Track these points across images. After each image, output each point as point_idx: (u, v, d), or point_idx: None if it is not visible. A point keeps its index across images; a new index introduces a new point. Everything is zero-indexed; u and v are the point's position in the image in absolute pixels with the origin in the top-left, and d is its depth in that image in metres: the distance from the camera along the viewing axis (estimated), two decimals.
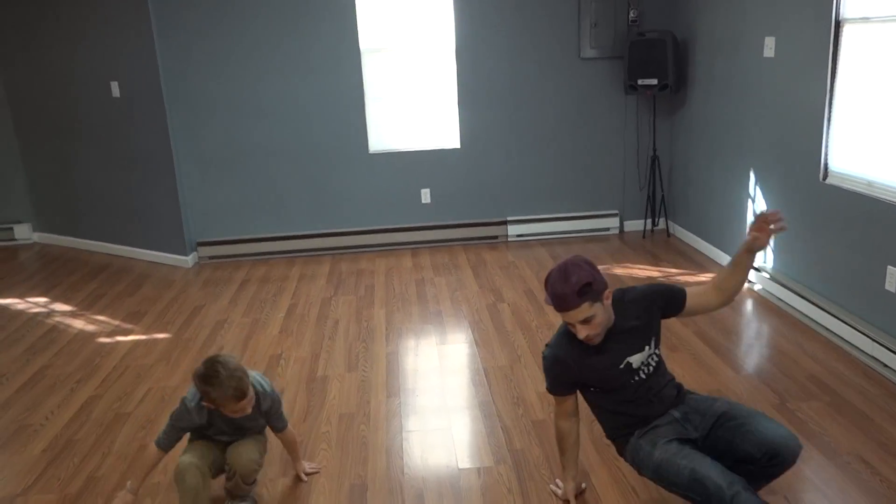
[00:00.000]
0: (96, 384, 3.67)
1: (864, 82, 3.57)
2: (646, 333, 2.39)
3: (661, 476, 2.26)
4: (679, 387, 2.48)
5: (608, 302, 2.30)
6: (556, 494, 2.61)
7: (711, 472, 2.12)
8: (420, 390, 3.46)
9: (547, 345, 2.48)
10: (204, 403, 2.43)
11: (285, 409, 3.28)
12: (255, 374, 2.56)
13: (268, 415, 2.59)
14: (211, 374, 2.35)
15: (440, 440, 3.02)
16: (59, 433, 3.21)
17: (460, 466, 2.83)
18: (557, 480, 2.65)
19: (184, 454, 2.51)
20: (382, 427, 3.14)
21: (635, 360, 2.37)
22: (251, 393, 2.42)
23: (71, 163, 5.86)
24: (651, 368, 2.40)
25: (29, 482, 2.85)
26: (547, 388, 2.49)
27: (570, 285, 2.22)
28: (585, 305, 2.23)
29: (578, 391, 2.50)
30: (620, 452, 2.48)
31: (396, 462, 2.88)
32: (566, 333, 2.40)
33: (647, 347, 2.39)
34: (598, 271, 2.29)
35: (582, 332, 2.27)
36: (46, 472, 2.92)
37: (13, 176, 6.17)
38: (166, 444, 2.53)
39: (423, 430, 3.10)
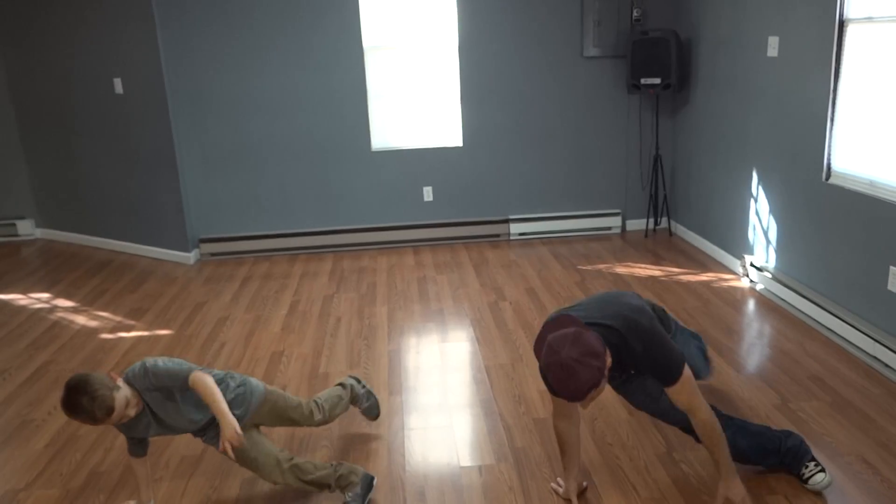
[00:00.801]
0: None
1: (868, 82, 3.57)
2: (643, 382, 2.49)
3: (660, 418, 2.53)
4: None
5: (604, 385, 2.15)
6: (557, 493, 2.62)
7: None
8: (421, 388, 3.47)
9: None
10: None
11: None
12: (130, 369, 2.39)
13: (161, 389, 2.37)
14: (73, 406, 2.23)
15: (441, 438, 3.03)
16: (61, 428, 3.22)
17: (461, 464, 2.84)
18: (559, 479, 2.66)
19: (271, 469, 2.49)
20: (384, 424, 3.15)
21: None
22: (122, 401, 2.27)
23: (74, 159, 5.87)
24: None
25: (31, 477, 2.86)
26: (549, 390, 2.47)
27: (577, 391, 2.07)
28: (591, 395, 2.11)
29: None
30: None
31: (398, 459, 2.89)
32: None
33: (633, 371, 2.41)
34: (598, 356, 2.07)
35: (587, 407, 2.20)
36: (49, 467, 2.93)
37: (16, 172, 6.18)
38: (137, 451, 2.55)
39: (425, 428, 3.11)
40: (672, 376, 2.22)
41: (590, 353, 2.06)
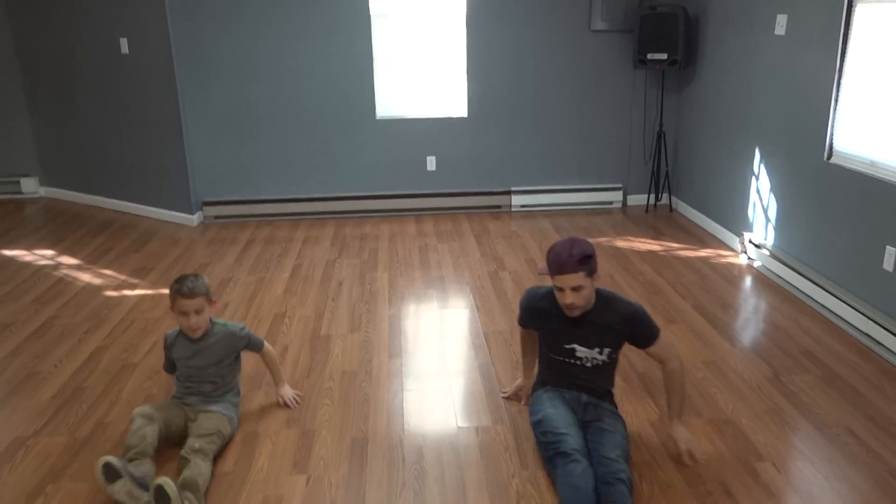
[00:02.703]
0: (104, 335, 3.74)
1: (873, 63, 3.59)
2: (603, 340, 2.66)
3: (540, 425, 2.62)
4: (609, 394, 2.77)
5: (595, 284, 2.60)
6: (503, 396, 3.09)
7: (572, 445, 2.47)
8: (421, 352, 3.53)
9: (532, 287, 2.83)
10: (171, 309, 2.78)
11: (290, 364, 3.38)
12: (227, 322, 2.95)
13: (243, 340, 2.92)
14: (178, 278, 2.77)
15: (440, 399, 3.10)
16: (67, 381, 3.28)
17: (459, 425, 2.91)
18: (503, 389, 3.14)
19: (142, 406, 2.73)
20: (384, 385, 3.22)
21: (581, 351, 2.67)
22: (202, 303, 2.74)
23: (78, 118, 5.88)
24: (591, 364, 2.69)
25: (39, 425, 2.93)
26: (517, 318, 2.88)
27: (575, 253, 2.50)
28: (581, 274, 2.51)
29: None
30: (531, 390, 2.90)
31: (397, 419, 2.95)
32: (553, 292, 2.66)
33: (596, 349, 2.67)
34: (593, 251, 2.56)
35: (569, 298, 2.54)
36: (56, 416, 3.00)
37: (21, 129, 6.19)
38: (168, 367, 2.97)
39: (424, 390, 3.18)
40: (655, 329, 2.65)
41: (587, 243, 2.56)
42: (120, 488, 2.36)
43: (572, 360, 2.70)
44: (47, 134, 6.14)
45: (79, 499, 2.49)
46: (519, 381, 3.09)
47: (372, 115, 5.66)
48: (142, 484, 2.40)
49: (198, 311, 2.75)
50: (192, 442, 2.60)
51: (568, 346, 2.68)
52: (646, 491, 2.48)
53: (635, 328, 2.64)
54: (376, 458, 2.70)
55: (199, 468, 2.49)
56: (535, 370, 2.92)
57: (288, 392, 3.07)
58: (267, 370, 3.15)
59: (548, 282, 2.72)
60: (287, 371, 3.33)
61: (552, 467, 2.49)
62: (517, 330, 3.71)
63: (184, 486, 2.41)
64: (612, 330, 2.64)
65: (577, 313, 2.60)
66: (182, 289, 2.71)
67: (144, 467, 2.49)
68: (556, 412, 2.61)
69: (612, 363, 2.72)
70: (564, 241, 2.55)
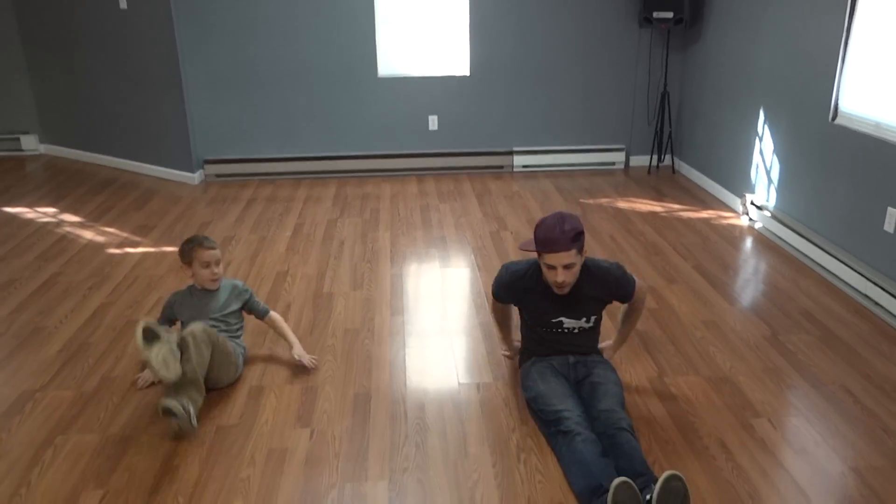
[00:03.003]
0: (108, 292, 3.76)
1: (883, 23, 3.54)
2: (590, 309, 2.70)
3: (535, 402, 2.61)
4: (593, 349, 2.82)
5: (582, 260, 2.57)
6: (507, 357, 3.08)
7: (572, 420, 2.43)
8: (423, 310, 3.56)
9: (511, 263, 2.77)
10: (184, 265, 2.93)
11: (293, 321, 3.41)
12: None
13: (246, 302, 3.05)
14: (192, 237, 2.96)
15: (441, 357, 3.13)
16: (73, 336, 3.32)
17: (460, 381, 2.95)
18: (503, 350, 3.12)
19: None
20: (386, 342, 3.25)
21: (568, 322, 2.70)
22: (219, 254, 2.93)
23: (78, 75, 5.82)
24: (578, 330, 2.73)
25: (46, 380, 2.97)
26: (492, 292, 2.82)
27: (567, 230, 2.45)
28: (573, 252, 2.47)
29: None
30: (519, 363, 2.91)
31: (399, 376, 2.99)
32: (535, 268, 2.66)
33: (583, 319, 2.70)
34: (582, 227, 2.52)
35: (560, 276, 2.51)
36: (62, 371, 3.03)
37: (20, 86, 6.14)
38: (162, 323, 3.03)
39: (425, 347, 3.21)
40: (633, 282, 2.72)
41: (577, 219, 2.52)
42: (157, 352, 2.44)
43: (559, 331, 2.72)
44: (47, 91, 6.09)
45: (87, 449, 2.54)
46: (516, 345, 3.07)
47: (374, 73, 5.61)
48: (175, 353, 2.52)
49: (217, 262, 2.94)
50: (199, 323, 2.72)
51: (555, 319, 2.69)
52: (644, 446, 2.53)
53: (619, 291, 2.69)
54: (379, 413, 2.74)
55: (201, 356, 2.63)
56: (519, 335, 2.96)
57: (304, 353, 3.06)
58: (272, 332, 3.22)
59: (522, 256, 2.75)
60: (290, 329, 3.36)
61: (554, 444, 2.48)
62: None
63: (185, 383, 2.57)
64: (598, 299, 2.68)
65: (566, 290, 2.58)
66: (204, 242, 2.91)
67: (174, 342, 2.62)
68: (548, 387, 2.60)
69: (597, 325, 2.76)
70: (554, 217, 2.49)
